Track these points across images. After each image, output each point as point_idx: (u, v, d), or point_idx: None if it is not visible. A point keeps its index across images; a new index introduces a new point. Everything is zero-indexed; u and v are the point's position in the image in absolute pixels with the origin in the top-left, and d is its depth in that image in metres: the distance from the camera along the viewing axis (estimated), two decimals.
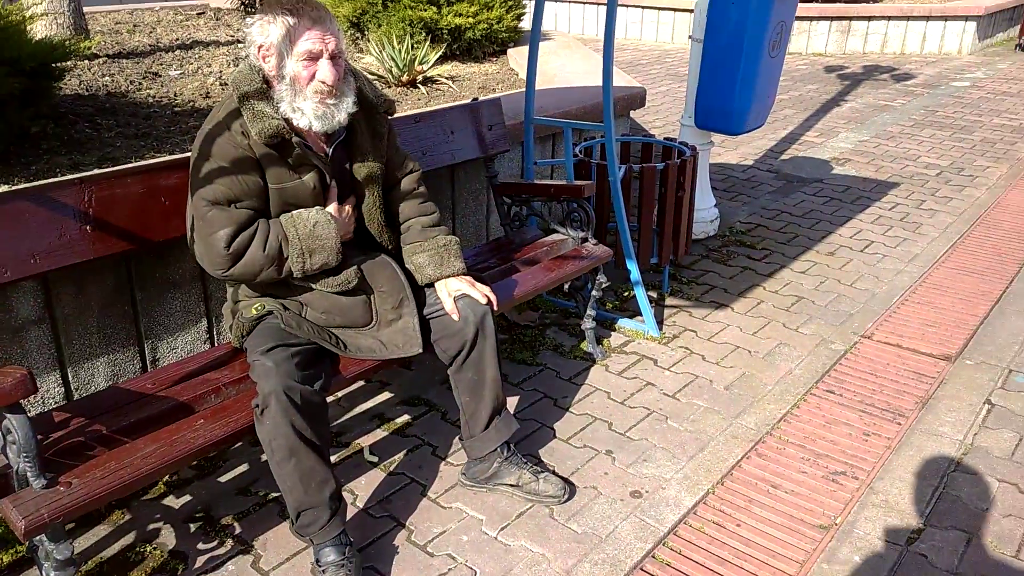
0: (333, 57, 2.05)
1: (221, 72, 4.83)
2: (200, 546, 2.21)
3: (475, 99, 3.28)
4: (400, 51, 4.90)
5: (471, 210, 3.57)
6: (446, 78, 5.04)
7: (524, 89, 3.39)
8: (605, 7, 2.98)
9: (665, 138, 3.84)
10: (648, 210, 3.44)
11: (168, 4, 7.95)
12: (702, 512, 2.35)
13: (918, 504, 2.38)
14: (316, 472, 2.01)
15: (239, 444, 2.55)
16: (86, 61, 4.92)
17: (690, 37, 3.97)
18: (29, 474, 1.72)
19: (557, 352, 3.21)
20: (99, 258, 2.17)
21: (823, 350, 3.24)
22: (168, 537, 2.24)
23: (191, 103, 4.18)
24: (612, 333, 3.37)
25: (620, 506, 2.37)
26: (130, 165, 2.87)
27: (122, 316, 2.45)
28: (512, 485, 2.37)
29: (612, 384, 2.99)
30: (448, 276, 2.32)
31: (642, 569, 2.14)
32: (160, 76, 4.72)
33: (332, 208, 2.18)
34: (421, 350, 2.25)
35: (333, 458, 2.52)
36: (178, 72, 4.82)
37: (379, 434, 2.70)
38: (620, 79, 4.64)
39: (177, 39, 5.85)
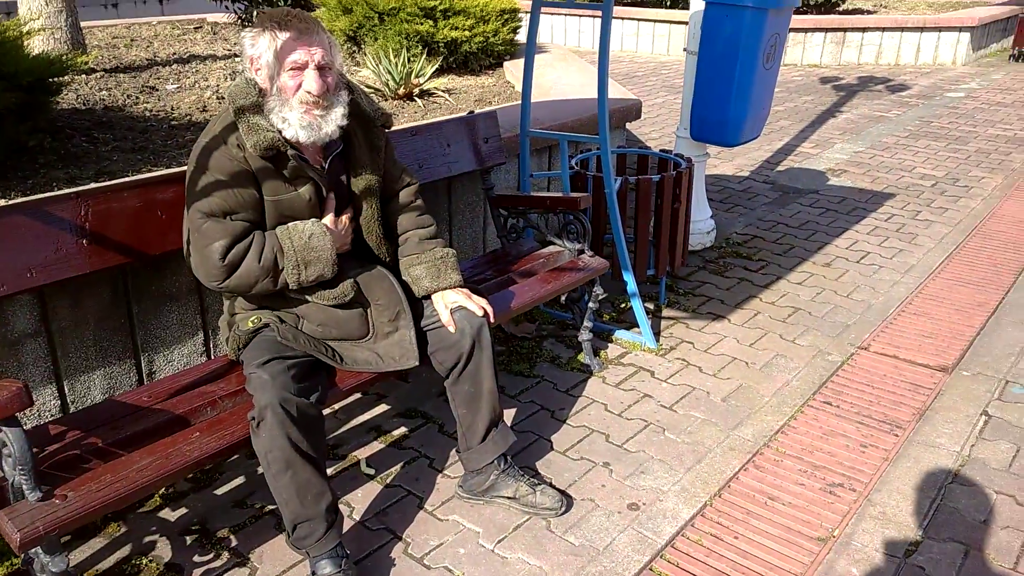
0: (320, 68, 2.07)
1: (218, 86, 4.84)
2: (196, 559, 2.20)
3: (471, 112, 3.29)
4: (397, 64, 4.93)
5: (468, 222, 3.57)
6: (442, 91, 5.06)
7: (520, 102, 3.40)
8: (601, 20, 2.99)
9: (661, 150, 3.85)
10: (644, 222, 3.45)
11: (165, 18, 7.98)
12: (700, 524, 2.34)
13: (916, 516, 2.38)
14: (312, 484, 2.01)
15: (235, 457, 2.54)
16: (83, 75, 4.94)
17: (685, 49, 3.99)
18: (25, 487, 1.71)
19: (554, 364, 3.21)
20: (95, 271, 2.18)
21: (820, 361, 3.24)
22: (164, 550, 2.23)
23: (188, 117, 4.19)
24: (609, 345, 3.38)
25: (617, 518, 2.36)
26: (127, 179, 2.88)
27: (118, 329, 2.45)
28: (509, 497, 2.37)
29: (609, 396, 2.99)
30: (445, 288, 2.33)
31: None
32: (157, 90, 4.73)
33: (328, 220, 2.18)
34: (418, 362, 2.25)
35: (330, 470, 2.52)
36: (175, 86, 4.84)
37: (376, 446, 2.69)
38: (616, 91, 4.66)
39: (174, 53, 5.87)
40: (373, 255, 2.34)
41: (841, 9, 11.36)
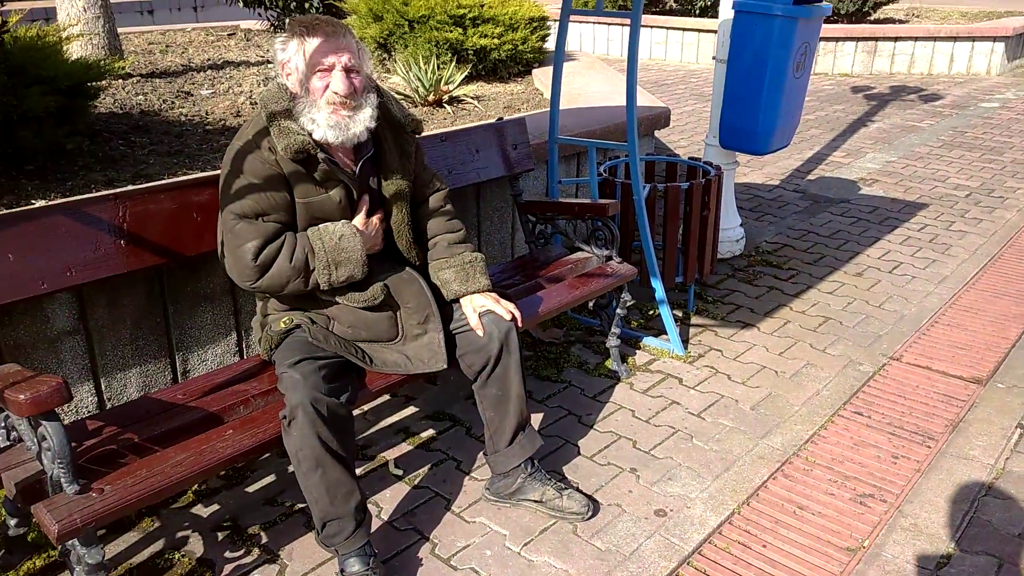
0: (347, 70, 2.10)
1: (251, 91, 4.92)
2: (227, 555, 2.23)
3: (500, 119, 3.31)
4: (426, 71, 4.97)
5: (496, 228, 3.59)
6: (472, 98, 5.09)
7: (549, 109, 3.41)
8: (629, 28, 3.00)
9: (690, 157, 3.85)
10: (673, 229, 3.44)
11: (200, 25, 8.12)
12: (727, 532, 2.33)
13: (948, 528, 2.35)
14: (342, 483, 2.03)
15: (267, 455, 2.57)
16: (120, 80, 5.04)
17: (714, 58, 3.98)
18: (63, 480, 1.75)
19: (582, 369, 3.21)
20: (132, 272, 2.22)
21: (851, 371, 3.21)
22: (196, 545, 2.26)
23: (222, 121, 4.26)
24: (637, 351, 3.37)
25: (644, 524, 2.36)
26: (163, 182, 2.94)
27: (154, 328, 2.49)
28: (536, 501, 2.37)
29: (637, 402, 2.99)
30: (473, 292, 2.34)
31: None
32: (192, 95, 4.81)
33: (358, 221, 2.21)
34: (446, 365, 2.26)
35: (358, 470, 2.54)
36: (209, 91, 4.92)
37: (404, 448, 2.71)
38: (644, 99, 4.66)
39: (208, 59, 5.97)
40: (403, 258, 2.37)
41: (873, 18, 11.26)
